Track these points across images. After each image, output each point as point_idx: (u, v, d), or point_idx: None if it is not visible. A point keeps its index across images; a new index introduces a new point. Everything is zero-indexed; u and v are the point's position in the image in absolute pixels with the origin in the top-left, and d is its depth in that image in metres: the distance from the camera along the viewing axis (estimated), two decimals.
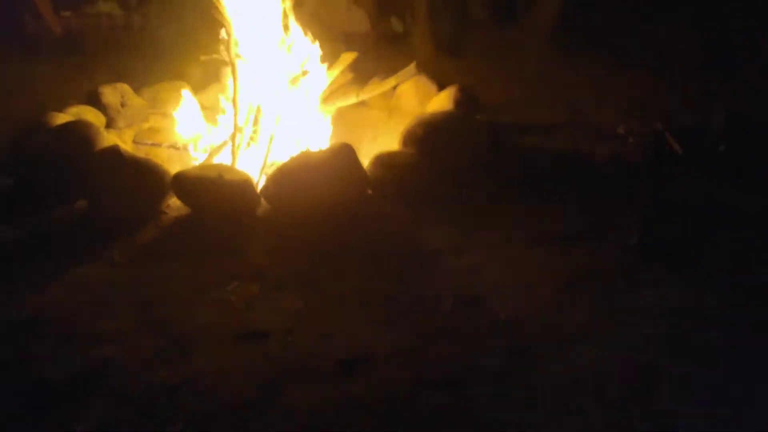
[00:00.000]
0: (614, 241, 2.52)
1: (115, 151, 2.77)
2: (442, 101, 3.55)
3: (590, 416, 1.65)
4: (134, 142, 3.57)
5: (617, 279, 2.30)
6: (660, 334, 1.97)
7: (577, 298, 2.20)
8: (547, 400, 1.73)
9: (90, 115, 3.55)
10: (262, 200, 2.87)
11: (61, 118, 3.31)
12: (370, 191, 2.91)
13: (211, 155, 3.31)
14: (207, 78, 4.00)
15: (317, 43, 3.46)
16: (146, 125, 3.69)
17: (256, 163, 3.14)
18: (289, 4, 3.30)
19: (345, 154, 2.81)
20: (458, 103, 3.48)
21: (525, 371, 1.85)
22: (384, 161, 2.95)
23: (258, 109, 3.26)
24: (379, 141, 3.64)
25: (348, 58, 3.97)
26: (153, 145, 3.53)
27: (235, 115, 3.21)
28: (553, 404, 1.71)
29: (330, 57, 3.90)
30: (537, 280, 2.31)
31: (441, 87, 3.75)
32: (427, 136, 3.08)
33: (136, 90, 3.88)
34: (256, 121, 3.26)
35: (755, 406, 1.66)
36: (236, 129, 3.20)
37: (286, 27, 3.36)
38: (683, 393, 1.72)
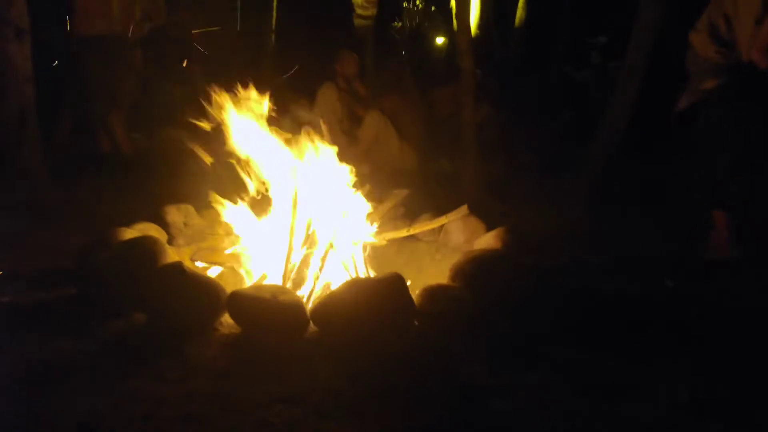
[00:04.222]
0: (663, 394, 2.46)
1: (178, 268, 2.91)
2: (489, 240, 3.66)
3: None
4: (191, 259, 3.73)
5: None
6: None
7: None
8: None
9: (153, 231, 3.75)
10: (311, 323, 2.93)
11: (128, 234, 3.51)
12: (417, 323, 2.95)
13: (263, 276, 3.43)
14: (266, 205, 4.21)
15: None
16: (205, 244, 3.87)
17: (306, 286, 3.24)
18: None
19: (396, 284, 2.89)
20: (506, 243, 3.58)
21: None
22: (433, 294, 3.01)
23: (312, 234, 3.41)
24: (425, 273, 3.73)
25: (399, 194, 4.19)
26: (209, 263, 3.67)
27: (291, 237, 3.36)
28: None
29: (382, 193, 4.12)
30: None
31: (489, 226, 3.89)
32: (476, 273, 3.15)
33: (199, 211, 4.11)
34: (310, 245, 3.40)
35: None
36: (290, 251, 3.34)
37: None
38: None
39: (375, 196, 3.90)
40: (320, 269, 3.28)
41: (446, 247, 4.03)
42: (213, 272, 3.62)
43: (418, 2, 10.95)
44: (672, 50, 4.31)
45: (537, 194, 5.28)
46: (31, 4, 5.20)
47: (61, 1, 6.42)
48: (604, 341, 2.92)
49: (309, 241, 3.41)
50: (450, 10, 6.62)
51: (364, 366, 2.65)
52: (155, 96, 7.32)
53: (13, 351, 2.70)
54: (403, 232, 3.79)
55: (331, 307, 2.89)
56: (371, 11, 8.34)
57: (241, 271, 3.55)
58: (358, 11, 8.30)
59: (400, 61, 8.56)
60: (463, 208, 3.67)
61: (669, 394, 2.45)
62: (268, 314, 2.81)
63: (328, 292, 3.09)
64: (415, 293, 3.06)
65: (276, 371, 2.59)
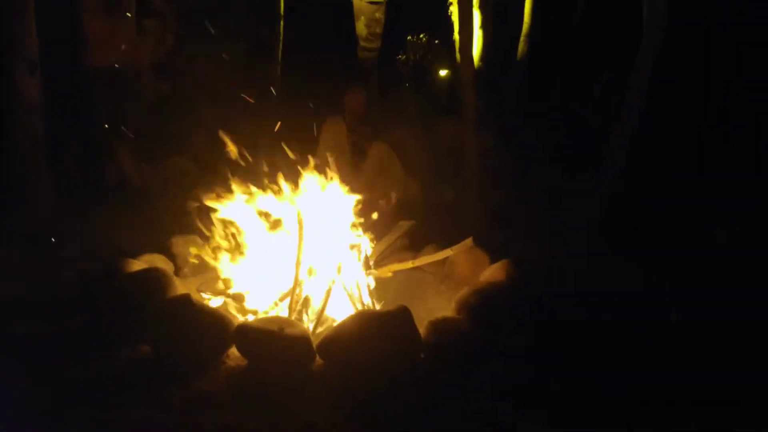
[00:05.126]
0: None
1: (185, 300, 2.93)
2: (494, 272, 3.67)
3: None
4: (198, 290, 3.75)
5: None
6: None
7: None
8: None
9: (160, 262, 3.78)
10: (317, 356, 2.94)
11: (136, 265, 3.54)
12: (422, 355, 2.96)
13: (268, 308, 3.45)
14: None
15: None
16: (210, 275, 3.89)
17: (311, 318, 3.26)
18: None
19: (402, 317, 2.91)
20: (510, 275, 3.59)
21: None
22: (438, 327, 3.02)
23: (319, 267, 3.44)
24: (430, 305, 3.75)
25: (405, 225, 4.22)
26: (214, 294, 3.69)
27: (297, 270, 3.38)
28: None
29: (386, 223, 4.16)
30: None
31: (493, 257, 3.90)
32: (481, 306, 3.17)
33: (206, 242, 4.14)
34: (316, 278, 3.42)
35: None
36: (296, 283, 3.36)
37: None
38: None
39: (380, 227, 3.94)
40: (325, 301, 3.31)
41: (451, 279, 4.04)
42: (218, 303, 3.64)
43: (422, 35, 11.13)
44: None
45: (540, 225, 5.31)
46: (42, 36, 5.32)
47: (72, 32, 6.54)
48: (612, 375, 2.93)
49: (315, 273, 3.44)
50: (453, 43, 6.72)
51: (370, 398, 2.65)
52: (164, 126, 7.40)
53: (20, 380, 2.72)
54: (408, 264, 3.82)
55: (338, 340, 2.90)
56: (376, 44, 8.47)
57: (246, 303, 3.57)
58: (363, 44, 8.42)
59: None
60: (468, 241, 3.69)
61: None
62: (274, 347, 2.82)
63: (334, 325, 3.11)
64: (420, 325, 3.08)
65: (283, 404, 2.60)
